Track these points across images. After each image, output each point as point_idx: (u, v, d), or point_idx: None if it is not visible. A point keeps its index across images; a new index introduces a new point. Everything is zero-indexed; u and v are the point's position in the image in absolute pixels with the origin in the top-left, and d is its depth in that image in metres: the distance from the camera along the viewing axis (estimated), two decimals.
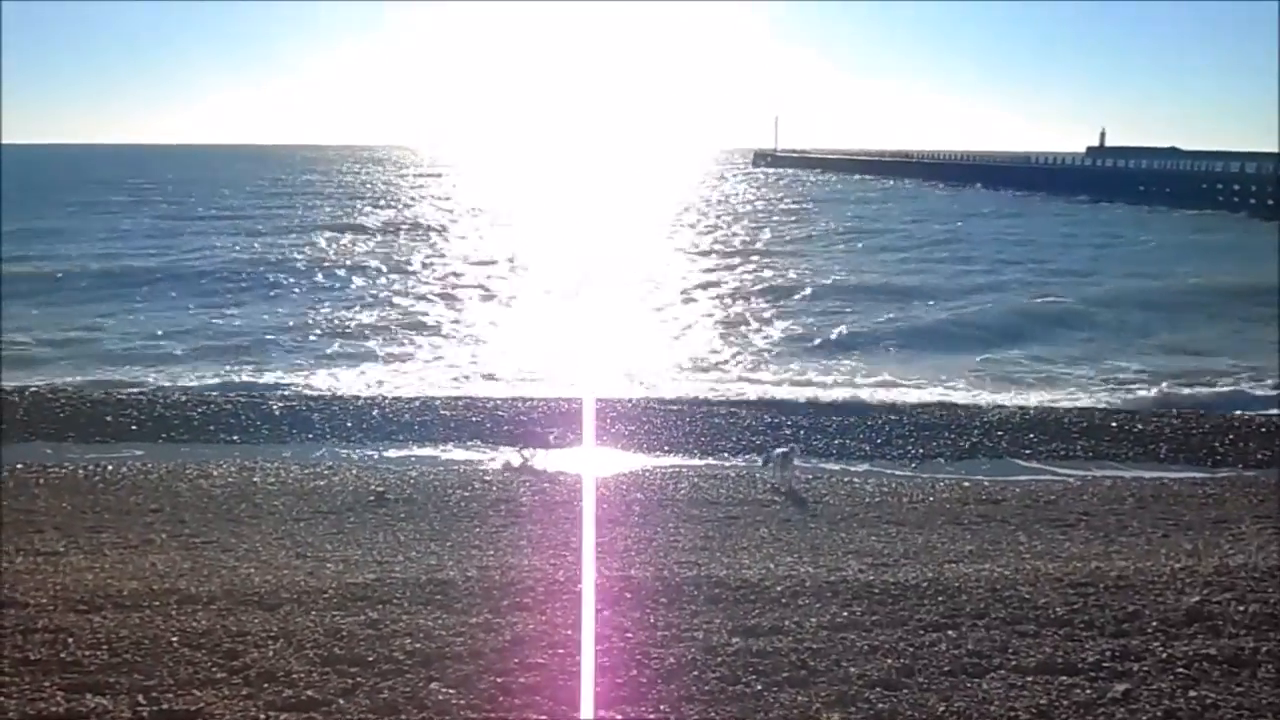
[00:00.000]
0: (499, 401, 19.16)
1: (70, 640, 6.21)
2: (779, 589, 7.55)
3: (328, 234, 53.53)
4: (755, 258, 46.31)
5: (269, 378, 21.60)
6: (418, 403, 19.08)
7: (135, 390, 19.88)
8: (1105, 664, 5.88)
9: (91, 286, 34.73)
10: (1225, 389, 21.08)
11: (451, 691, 5.50)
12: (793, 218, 71.15)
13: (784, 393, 20.66)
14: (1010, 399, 20.15)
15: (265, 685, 5.57)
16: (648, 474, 14.62)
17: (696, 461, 15.72)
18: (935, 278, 39.60)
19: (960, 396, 20.42)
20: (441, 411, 18.24)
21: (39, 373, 21.79)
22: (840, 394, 20.52)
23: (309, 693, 5.47)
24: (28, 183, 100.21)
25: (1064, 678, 5.70)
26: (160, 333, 27.07)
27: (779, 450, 14.28)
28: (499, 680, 5.64)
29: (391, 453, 16.04)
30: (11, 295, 30.57)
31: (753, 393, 20.64)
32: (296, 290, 35.40)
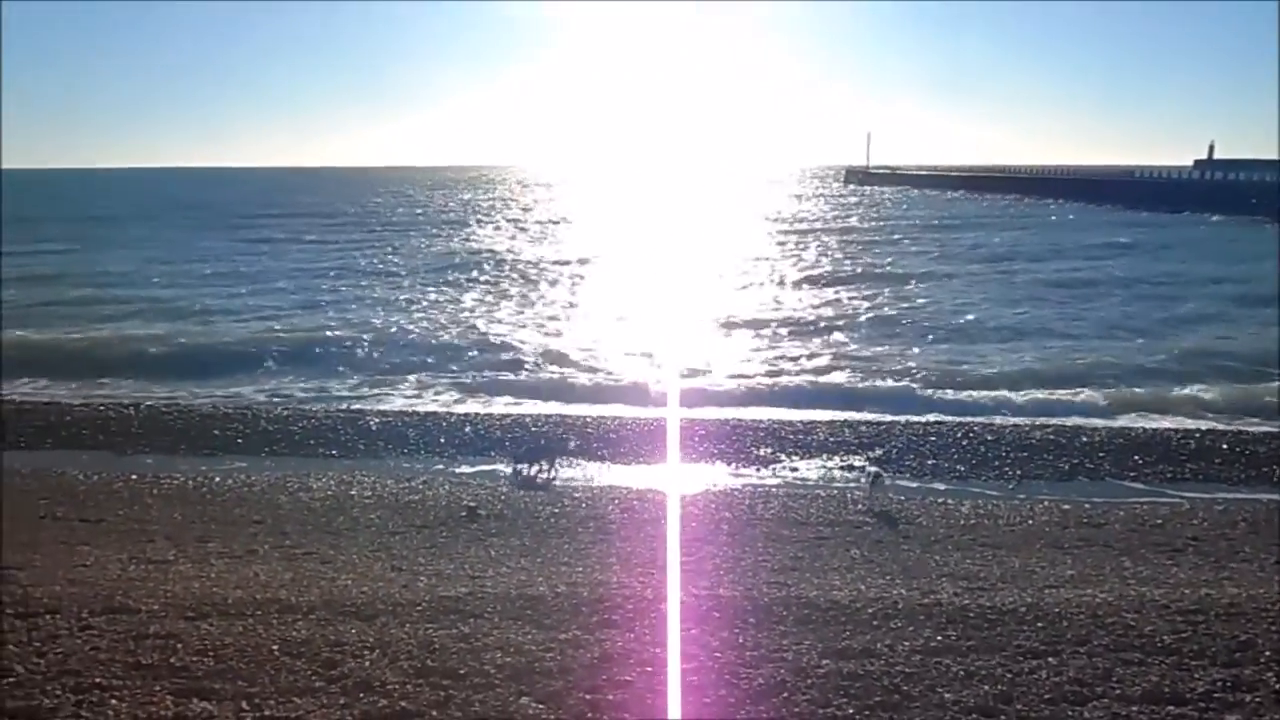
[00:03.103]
0: (589, 419, 19.30)
1: (179, 646, 6.45)
2: (870, 611, 7.43)
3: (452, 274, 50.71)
4: (886, 287, 41.20)
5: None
6: (509, 419, 19.35)
7: (242, 406, 20.63)
8: (1216, 694, 5.64)
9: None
10: None
11: (541, 707, 5.54)
12: (906, 242, 63.97)
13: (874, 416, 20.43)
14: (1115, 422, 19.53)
15: (361, 695, 5.70)
16: (736, 492, 14.56)
17: (787, 480, 15.59)
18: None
19: (1061, 418, 19.87)
20: (532, 428, 18.46)
21: None
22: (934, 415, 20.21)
23: (403, 703, 5.58)
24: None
25: (1171, 708, 5.48)
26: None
27: (870, 469, 14.24)
28: (588, 697, 5.67)
29: (483, 468, 16.29)
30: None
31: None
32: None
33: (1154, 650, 6.41)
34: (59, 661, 6.13)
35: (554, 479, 15.38)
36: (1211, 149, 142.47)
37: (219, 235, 69.74)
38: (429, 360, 26.30)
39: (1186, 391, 21.89)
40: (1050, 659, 6.28)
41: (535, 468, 15.67)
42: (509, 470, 15.79)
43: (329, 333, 29.68)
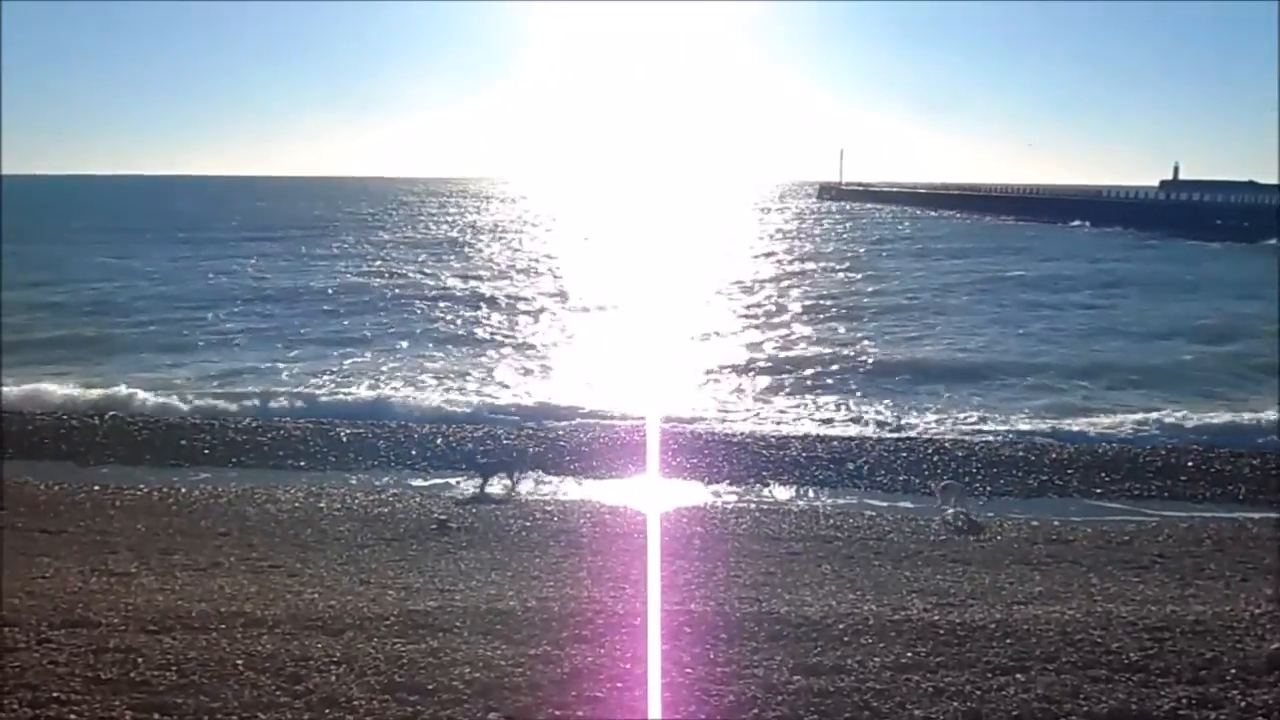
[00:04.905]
0: (560, 432, 19.25)
1: (140, 660, 6.34)
2: (841, 627, 7.43)
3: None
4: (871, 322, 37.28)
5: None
6: (481, 432, 19.25)
7: (209, 416, 20.37)
8: (1181, 712, 5.67)
9: None
10: None
11: None
12: (892, 266, 60.02)
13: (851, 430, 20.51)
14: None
15: (327, 710, 5.62)
16: (709, 508, 14.55)
17: (760, 496, 15.60)
18: None
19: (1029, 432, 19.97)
20: (504, 441, 18.37)
21: None
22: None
23: (369, 719, 5.50)
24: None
25: None
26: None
27: (943, 484, 14.66)
28: (557, 713, 5.62)
29: (454, 480, 16.18)
30: None
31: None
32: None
33: (1121, 667, 6.44)
34: (16, 675, 6.00)
35: (525, 492, 15.31)
36: (1176, 170, 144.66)
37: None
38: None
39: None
40: (1019, 675, 6.29)
41: (506, 481, 15.60)
42: (480, 483, 15.70)
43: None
